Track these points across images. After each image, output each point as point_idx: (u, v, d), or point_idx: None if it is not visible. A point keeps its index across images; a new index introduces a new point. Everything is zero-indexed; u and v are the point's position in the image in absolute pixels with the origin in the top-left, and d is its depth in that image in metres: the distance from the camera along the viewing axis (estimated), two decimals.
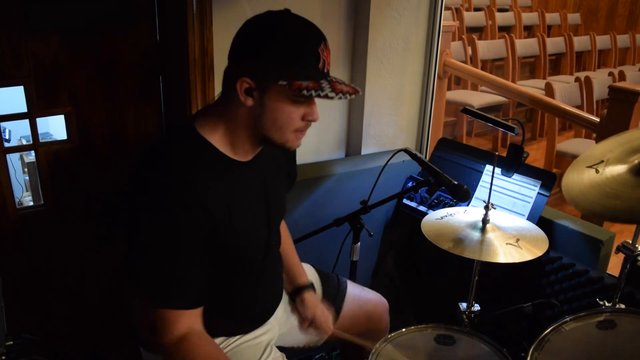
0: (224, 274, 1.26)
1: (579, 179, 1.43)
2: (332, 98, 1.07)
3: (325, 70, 1.11)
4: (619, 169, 1.39)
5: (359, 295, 1.63)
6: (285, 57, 1.06)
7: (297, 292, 1.51)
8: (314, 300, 1.50)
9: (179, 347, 1.12)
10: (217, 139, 1.17)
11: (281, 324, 1.49)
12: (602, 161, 1.43)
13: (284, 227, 1.56)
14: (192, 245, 1.11)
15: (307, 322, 1.50)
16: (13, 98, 1.67)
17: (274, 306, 1.44)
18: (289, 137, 1.16)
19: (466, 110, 1.97)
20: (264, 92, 1.09)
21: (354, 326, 1.59)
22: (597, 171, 1.41)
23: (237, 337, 1.35)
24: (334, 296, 1.59)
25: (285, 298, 1.53)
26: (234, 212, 1.17)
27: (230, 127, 1.16)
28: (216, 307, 1.27)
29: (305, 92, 1.05)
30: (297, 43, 1.07)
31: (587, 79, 4.42)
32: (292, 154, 1.47)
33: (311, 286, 1.52)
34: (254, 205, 1.26)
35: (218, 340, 1.33)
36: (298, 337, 1.55)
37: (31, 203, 2.31)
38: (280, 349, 1.44)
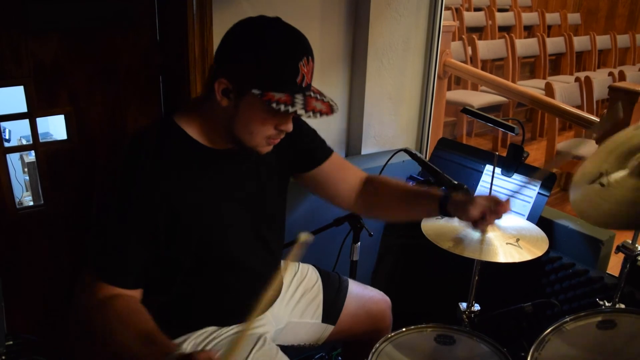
0: (212, 264, 1.26)
1: (588, 197, 1.34)
2: (301, 115, 1.07)
3: (304, 85, 1.11)
4: (621, 174, 1.34)
5: (361, 294, 1.63)
6: (263, 67, 1.07)
7: (443, 204, 1.30)
8: (464, 199, 1.28)
9: (100, 305, 1.11)
10: (193, 130, 1.19)
11: (278, 320, 1.49)
12: (601, 174, 1.37)
13: (384, 180, 1.47)
14: (149, 229, 1.13)
15: (475, 221, 1.28)
16: (13, 98, 1.67)
17: (268, 303, 1.44)
18: (260, 142, 1.17)
19: (466, 110, 1.97)
20: (240, 96, 1.10)
21: (356, 325, 1.58)
22: (602, 185, 1.36)
23: (231, 327, 1.35)
24: (335, 295, 1.59)
25: (283, 294, 1.52)
26: (208, 197, 1.19)
27: (206, 121, 1.19)
28: (208, 298, 1.28)
29: (274, 105, 1.05)
30: (278, 55, 1.07)
31: (587, 79, 4.42)
32: (309, 134, 1.43)
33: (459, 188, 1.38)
34: (234, 190, 1.26)
35: (210, 328, 1.33)
36: (297, 335, 1.55)
37: (31, 203, 2.31)
38: (279, 347, 1.43)
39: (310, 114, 1.08)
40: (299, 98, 1.08)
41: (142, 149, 1.14)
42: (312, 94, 1.12)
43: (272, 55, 1.06)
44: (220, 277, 1.30)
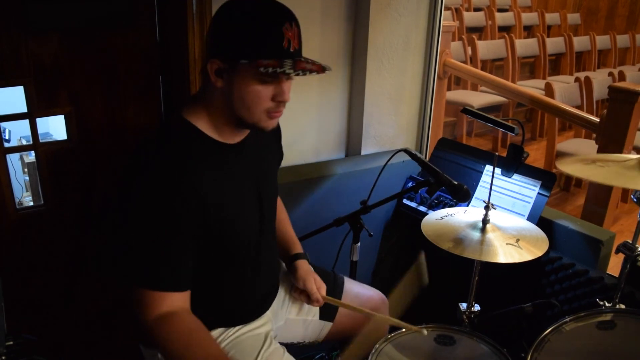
0: (221, 260, 1.27)
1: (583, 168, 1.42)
2: (289, 74, 1.10)
3: (292, 49, 1.12)
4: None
5: (357, 292, 1.64)
6: (248, 38, 1.09)
7: (290, 261, 1.52)
8: (306, 268, 1.50)
9: (161, 323, 1.13)
10: (203, 124, 1.20)
11: (276, 317, 1.50)
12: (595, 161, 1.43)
13: (278, 202, 1.57)
14: (184, 229, 1.14)
15: (297, 290, 1.50)
16: (13, 98, 1.67)
17: (271, 294, 1.46)
18: (260, 116, 1.17)
19: (466, 110, 1.97)
20: (232, 72, 1.12)
21: (352, 323, 1.59)
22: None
23: (236, 328, 1.36)
24: (331, 292, 1.59)
25: (279, 290, 1.53)
26: (225, 194, 1.20)
27: (210, 111, 1.20)
28: (214, 296, 1.28)
29: (262, 69, 1.07)
30: (259, 23, 1.09)
31: (587, 79, 4.42)
32: (277, 135, 1.49)
33: (304, 255, 1.53)
34: (245, 186, 1.28)
35: (217, 331, 1.34)
36: (295, 332, 1.56)
37: (31, 203, 2.31)
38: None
39: (300, 72, 1.10)
40: (287, 61, 1.10)
41: (163, 151, 1.14)
42: (302, 58, 1.15)
43: (254, 24, 1.09)
44: (229, 273, 1.31)
